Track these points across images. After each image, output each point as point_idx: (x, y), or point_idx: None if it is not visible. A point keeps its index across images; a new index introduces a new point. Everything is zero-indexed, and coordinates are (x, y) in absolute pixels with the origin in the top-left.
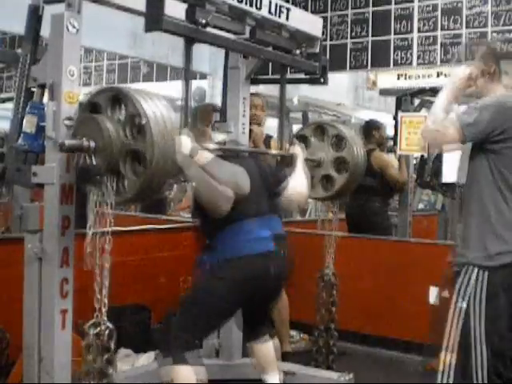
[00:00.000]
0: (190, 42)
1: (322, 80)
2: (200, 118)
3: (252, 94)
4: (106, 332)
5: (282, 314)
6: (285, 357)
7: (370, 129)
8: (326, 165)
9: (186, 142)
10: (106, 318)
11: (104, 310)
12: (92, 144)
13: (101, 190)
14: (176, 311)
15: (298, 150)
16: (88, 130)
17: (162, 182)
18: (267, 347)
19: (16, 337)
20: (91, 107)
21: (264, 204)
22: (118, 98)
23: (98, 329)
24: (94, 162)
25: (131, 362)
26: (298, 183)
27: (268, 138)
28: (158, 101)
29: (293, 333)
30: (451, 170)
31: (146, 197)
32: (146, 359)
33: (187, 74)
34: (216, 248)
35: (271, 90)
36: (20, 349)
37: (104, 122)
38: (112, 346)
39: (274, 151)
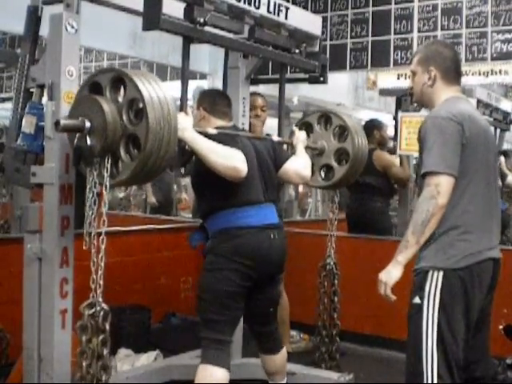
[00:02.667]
0: (188, 40)
1: (321, 79)
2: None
3: (253, 94)
4: (101, 313)
5: (282, 314)
6: None
7: (371, 128)
8: (328, 154)
9: (187, 119)
10: (100, 299)
11: (99, 290)
12: (88, 124)
13: (95, 171)
14: (176, 311)
15: (300, 136)
16: (86, 110)
17: (157, 165)
18: (282, 357)
19: (16, 337)
20: (92, 87)
21: (259, 191)
22: (119, 79)
23: (93, 310)
24: (89, 143)
25: (131, 362)
26: (296, 162)
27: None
28: (157, 84)
29: (293, 333)
30: None
31: (140, 180)
32: (146, 359)
33: (185, 72)
34: (208, 229)
35: (270, 90)
36: (20, 349)
37: (102, 102)
38: (107, 326)
39: (275, 138)
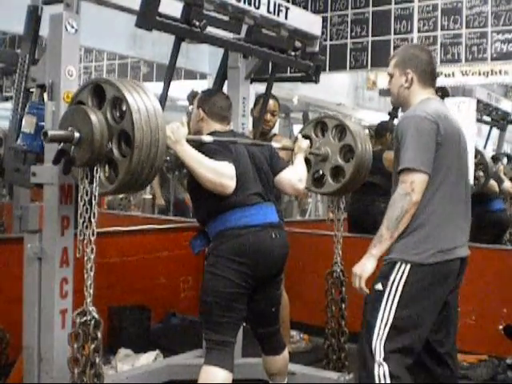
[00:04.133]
0: (179, 39)
1: (314, 78)
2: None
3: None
4: (92, 322)
5: (283, 313)
6: None
7: (383, 130)
8: (333, 156)
9: (179, 131)
10: (92, 308)
11: (89, 299)
12: (77, 135)
13: (87, 179)
14: (176, 311)
15: (301, 145)
16: (74, 121)
17: (146, 173)
18: (283, 359)
19: (16, 337)
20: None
21: (257, 192)
22: (99, 88)
23: (85, 318)
24: (76, 154)
25: (131, 362)
26: (292, 173)
27: (273, 135)
28: (140, 88)
29: (293, 333)
30: None
31: (130, 188)
32: (146, 359)
33: (171, 70)
34: (209, 233)
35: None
36: (20, 349)
37: (89, 111)
38: (99, 335)
39: (276, 144)
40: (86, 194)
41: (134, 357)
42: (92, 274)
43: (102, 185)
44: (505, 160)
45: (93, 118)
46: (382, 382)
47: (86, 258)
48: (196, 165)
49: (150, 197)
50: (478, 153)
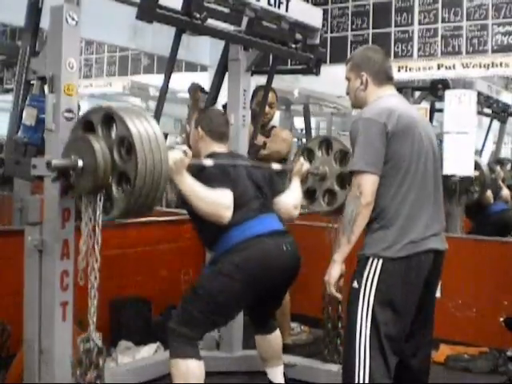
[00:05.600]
0: (180, 30)
1: (314, 71)
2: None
3: (260, 88)
4: (95, 349)
5: (283, 306)
6: (285, 349)
7: None
8: (330, 179)
9: (178, 162)
10: (95, 335)
11: (93, 326)
12: (80, 163)
13: (90, 206)
14: (176, 304)
15: (299, 168)
16: (78, 149)
17: (149, 202)
18: (276, 338)
19: (17, 329)
20: (85, 125)
21: (257, 207)
22: (109, 117)
23: (88, 345)
24: (79, 182)
25: (132, 355)
26: (288, 200)
27: (272, 127)
28: (147, 121)
29: (293, 325)
30: (451, 162)
31: (133, 215)
32: (147, 352)
33: (172, 63)
34: (215, 255)
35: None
36: (21, 341)
37: (93, 141)
38: (100, 362)
39: (275, 165)
40: (90, 221)
41: (134, 349)
42: (95, 301)
43: (116, 201)
44: (509, 165)
45: (96, 147)
46: (361, 382)
47: (89, 286)
48: (193, 196)
49: None
50: (477, 167)
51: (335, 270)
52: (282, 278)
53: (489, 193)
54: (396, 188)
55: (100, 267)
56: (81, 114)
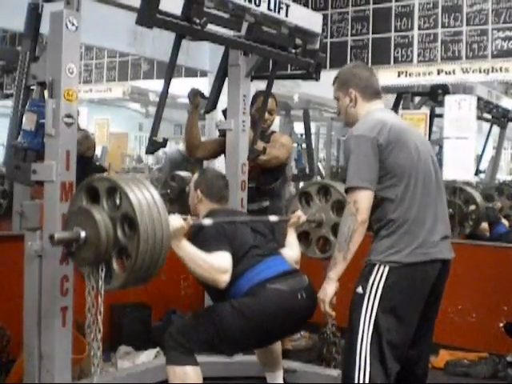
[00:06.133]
0: (180, 36)
1: (314, 76)
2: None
3: (259, 93)
4: None
5: None
6: (285, 354)
7: None
8: (326, 227)
9: (176, 230)
10: None
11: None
12: (83, 234)
13: (93, 276)
14: (176, 308)
15: (295, 220)
16: (80, 220)
17: (150, 272)
18: (276, 344)
19: (17, 334)
20: (88, 191)
21: (260, 253)
22: (114, 189)
23: None
24: (82, 254)
25: (132, 360)
26: (289, 257)
27: (271, 132)
28: (152, 198)
29: None
30: (451, 167)
31: (135, 284)
32: (147, 357)
33: (171, 68)
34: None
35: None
36: (21, 346)
37: (96, 215)
38: None
39: (272, 218)
40: (92, 289)
41: (134, 354)
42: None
43: (115, 275)
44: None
45: (99, 221)
46: None
47: (92, 354)
48: (190, 262)
49: None
50: (472, 200)
51: (331, 288)
52: (295, 324)
53: (485, 225)
54: (400, 197)
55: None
56: (81, 123)
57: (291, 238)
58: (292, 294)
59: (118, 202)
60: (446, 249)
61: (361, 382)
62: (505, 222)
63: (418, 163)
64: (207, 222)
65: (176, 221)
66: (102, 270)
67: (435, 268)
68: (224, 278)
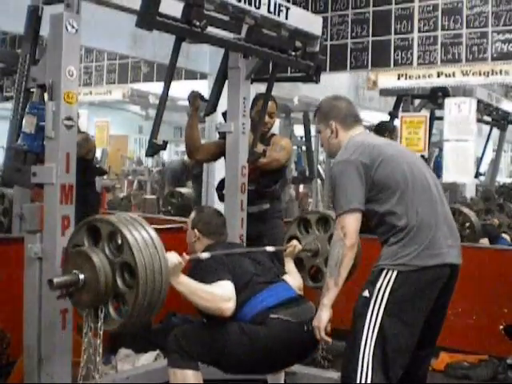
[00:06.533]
0: (179, 39)
1: (314, 79)
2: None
3: (259, 96)
4: None
5: None
6: None
7: (382, 130)
8: (320, 258)
9: (173, 267)
10: None
11: None
12: (82, 277)
13: (91, 318)
14: (176, 311)
15: (292, 250)
16: (79, 263)
17: (145, 320)
18: None
19: (16, 337)
20: (90, 230)
21: (262, 281)
22: (115, 233)
23: None
24: (81, 296)
25: (132, 362)
26: (292, 282)
27: (271, 135)
28: (148, 235)
29: None
30: (451, 169)
31: (137, 320)
32: (147, 359)
33: (171, 70)
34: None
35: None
36: (21, 349)
37: (95, 259)
38: None
39: (269, 248)
40: (90, 331)
41: (134, 357)
42: None
43: (112, 319)
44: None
45: (95, 259)
46: None
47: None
48: (192, 296)
49: (152, 197)
50: (467, 220)
51: (325, 315)
52: (299, 355)
53: (483, 241)
54: (399, 206)
55: None
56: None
57: (290, 267)
58: (299, 326)
59: (119, 245)
60: (454, 254)
61: None
62: (506, 237)
63: (410, 172)
64: (204, 255)
65: (174, 258)
66: (101, 311)
67: (443, 273)
68: (229, 306)
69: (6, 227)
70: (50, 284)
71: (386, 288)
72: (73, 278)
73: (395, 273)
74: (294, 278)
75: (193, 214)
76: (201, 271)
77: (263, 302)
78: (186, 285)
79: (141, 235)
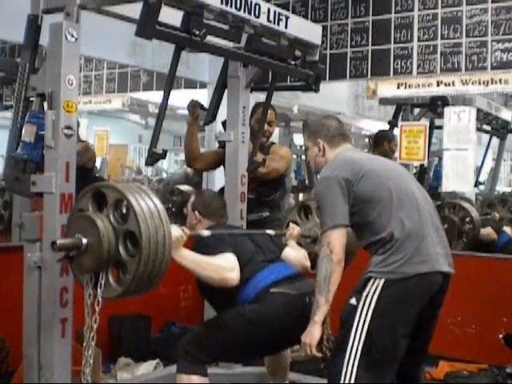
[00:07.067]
0: (179, 48)
1: (313, 88)
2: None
3: (259, 105)
4: None
5: None
6: None
7: (381, 139)
8: (319, 244)
9: (175, 241)
10: None
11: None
12: (84, 241)
13: (91, 283)
14: (176, 320)
15: (293, 232)
16: (82, 227)
17: (145, 288)
18: (284, 353)
19: (16, 345)
20: (95, 195)
21: (262, 260)
22: (121, 201)
23: None
24: (83, 261)
25: (131, 371)
26: (295, 253)
27: (271, 144)
28: (154, 205)
29: None
30: (451, 178)
31: (136, 290)
32: (146, 368)
33: (170, 79)
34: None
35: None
36: (20, 357)
37: (94, 218)
38: None
39: (269, 231)
40: (89, 298)
41: (134, 366)
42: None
43: (111, 287)
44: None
45: (99, 224)
46: None
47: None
48: (196, 267)
49: None
50: (468, 215)
51: (316, 332)
52: (303, 329)
53: (488, 230)
54: (387, 218)
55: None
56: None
57: (293, 245)
58: (300, 298)
59: (124, 212)
60: (443, 261)
61: None
62: (508, 229)
63: (394, 185)
64: (206, 233)
65: (176, 231)
66: (102, 277)
67: (433, 280)
68: (232, 275)
69: (6, 221)
70: (53, 245)
71: (373, 295)
72: (76, 241)
73: (382, 280)
74: (297, 251)
75: (192, 197)
76: (203, 247)
77: (264, 280)
78: (189, 258)
79: (147, 205)
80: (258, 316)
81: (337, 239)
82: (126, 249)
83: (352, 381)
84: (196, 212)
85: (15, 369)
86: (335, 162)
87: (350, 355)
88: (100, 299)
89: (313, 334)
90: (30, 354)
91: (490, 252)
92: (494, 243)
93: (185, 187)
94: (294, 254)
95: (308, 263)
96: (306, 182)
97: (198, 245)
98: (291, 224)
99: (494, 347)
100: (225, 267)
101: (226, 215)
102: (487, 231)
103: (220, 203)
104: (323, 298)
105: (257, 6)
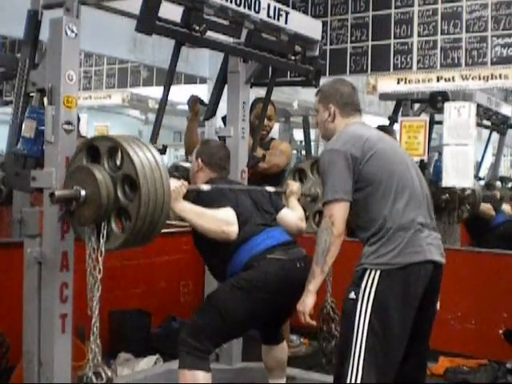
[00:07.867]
0: (179, 43)
1: (313, 83)
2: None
3: (261, 101)
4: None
5: None
6: None
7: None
8: (321, 201)
9: (176, 191)
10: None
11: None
12: (83, 193)
13: (93, 236)
14: (176, 315)
15: (293, 188)
16: (80, 179)
17: (151, 231)
18: (282, 350)
19: (16, 341)
20: (89, 150)
21: (260, 223)
22: (116, 149)
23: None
24: (82, 212)
25: (131, 367)
26: (293, 214)
27: (271, 139)
28: (154, 159)
29: (292, 337)
30: (450, 174)
31: (136, 244)
32: (146, 363)
33: (170, 74)
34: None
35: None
36: (20, 353)
37: (97, 173)
38: None
39: (269, 188)
40: (94, 251)
41: (134, 361)
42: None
43: (115, 235)
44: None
45: (96, 172)
46: None
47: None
48: (195, 219)
49: None
50: (472, 194)
51: (310, 300)
52: (297, 293)
53: (488, 205)
54: (385, 204)
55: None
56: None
57: (293, 203)
58: (291, 263)
59: (119, 162)
60: (436, 252)
61: None
62: (507, 207)
63: (398, 170)
64: (205, 187)
65: (175, 182)
66: (104, 227)
67: (426, 270)
68: (233, 229)
69: (4, 195)
70: (52, 197)
71: (370, 288)
72: (74, 192)
73: (378, 272)
74: (294, 210)
75: (198, 146)
76: (203, 201)
77: (260, 244)
78: (189, 210)
79: (142, 151)
80: (250, 283)
81: (339, 213)
82: (124, 194)
83: (358, 380)
84: (199, 159)
85: (15, 364)
86: (346, 135)
87: (354, 351)
88: (103, 250)
89: (306, 302)
90: (29, 350)
91: (483, 230)
92: (490, 221)
93: (188, 164)
94: (291, 215)
95: (303, 225)
96: None
97: (199, 198)
98: (289, 180)
99: (494, 343)
100: (226, 220)
101: (228, 168)
102: (487, 206)
103: (224, 154)
104: (319, 269)
105: (257, 2)
